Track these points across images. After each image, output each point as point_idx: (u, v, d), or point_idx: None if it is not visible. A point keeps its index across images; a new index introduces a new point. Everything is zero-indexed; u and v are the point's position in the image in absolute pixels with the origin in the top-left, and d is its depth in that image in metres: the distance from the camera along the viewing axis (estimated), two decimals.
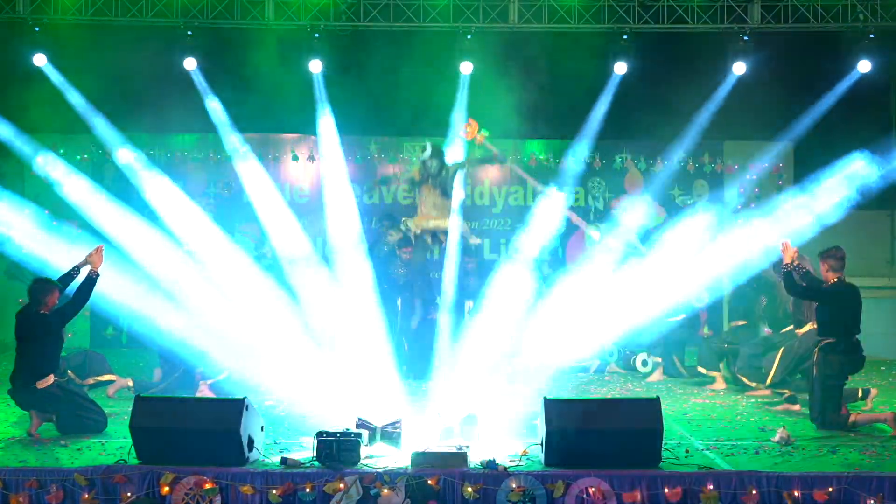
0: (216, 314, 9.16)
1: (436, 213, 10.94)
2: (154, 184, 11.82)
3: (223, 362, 8.90)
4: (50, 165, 11.87)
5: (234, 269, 10.19)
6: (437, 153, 11.06)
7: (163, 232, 10.79)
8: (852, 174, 10.35)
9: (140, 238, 10.43)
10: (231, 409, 6.24)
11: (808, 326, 8.52)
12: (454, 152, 11.50)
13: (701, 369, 10.08)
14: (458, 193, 11.04)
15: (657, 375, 10.44)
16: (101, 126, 11.99)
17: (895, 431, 7.38)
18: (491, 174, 13.85)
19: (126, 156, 12.14)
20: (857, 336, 7.72)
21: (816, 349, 7.75)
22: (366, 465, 6.12)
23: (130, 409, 6.39)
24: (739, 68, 11.82)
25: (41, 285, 7.58)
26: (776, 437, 7.07)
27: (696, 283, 10.03)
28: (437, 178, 11.00)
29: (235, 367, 8.88)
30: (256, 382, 8.63)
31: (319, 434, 6.20)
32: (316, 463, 6.13)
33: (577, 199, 13.75)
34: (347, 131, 12.90)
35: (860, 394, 8.57)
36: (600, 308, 9.88)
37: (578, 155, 13.25)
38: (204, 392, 8.90)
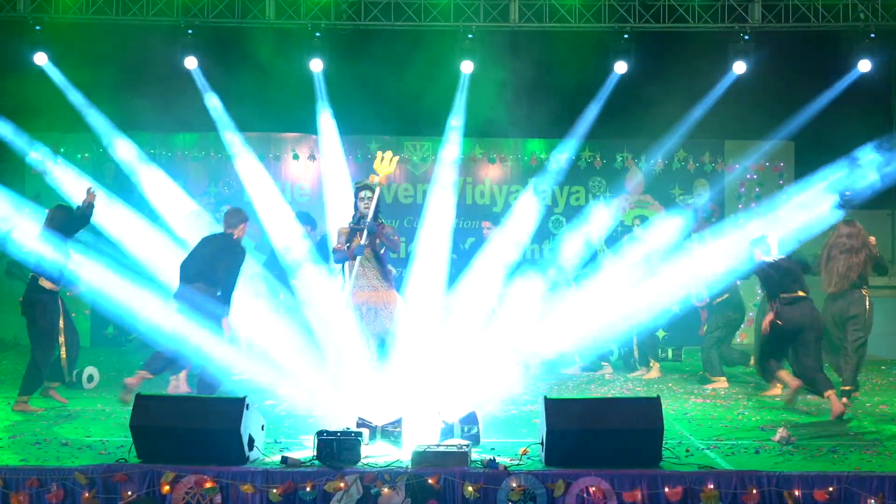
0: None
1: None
2: (155, 182, 11.83)
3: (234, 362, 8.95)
4: (47, 161, 11.91)
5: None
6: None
7: (163, 231, 10.80)
8: (854, 172, 10.35)
9: (140, 236, 10.44)
10: (231, 408, 6.24)
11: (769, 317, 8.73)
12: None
13: (709, 375, 10.09)
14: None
15: (655, 373, 10.45)
16: (102, 125, 12.01)
17: (789, 391, 8.44)
18: (492, 173, 13.87)
19: (125, 152, 12.16)
20: (801, 293, 8.41)
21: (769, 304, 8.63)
22: (366, 464, 6.12)
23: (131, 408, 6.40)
24: (740, 67, 11.85)
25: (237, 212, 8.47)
26: (776, 437, 7.07)
27: (694, 282, 10.03)
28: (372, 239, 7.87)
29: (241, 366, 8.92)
30: (258, 382, 8.64)
31: (320, 433, 6.20)
32: (316, 462, 6.13)
33: (578, 199, 13.77)
34: (348, 130, 12.94)
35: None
36: (602, 307, 9.88)
37: (579, 154, 13.31)
38: (182, 387, 9.04)
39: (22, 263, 9.64)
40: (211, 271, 8.16)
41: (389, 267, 8.10)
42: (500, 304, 10.05)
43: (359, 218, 8.00)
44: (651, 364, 10.53)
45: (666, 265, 10.06)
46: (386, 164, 8.08)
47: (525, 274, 10.32)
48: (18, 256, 8.88)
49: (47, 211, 8.61)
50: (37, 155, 11.90)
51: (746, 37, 11.72)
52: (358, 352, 7.77)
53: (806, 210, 9.83)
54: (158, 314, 8.70)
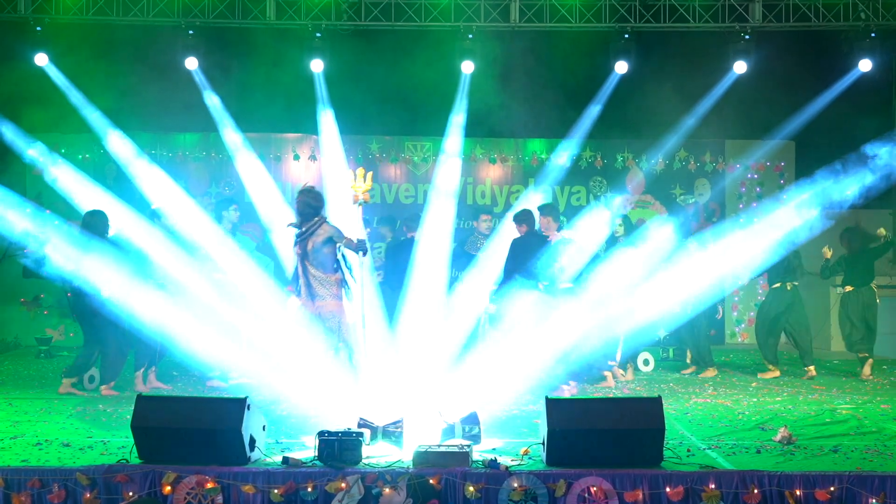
0: (217, 314, 9.16)
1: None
2: (155, 183, 11.83)
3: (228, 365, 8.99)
4: (50, 164, 11.91)
5: (235, 269, 10.18)
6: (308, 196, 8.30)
7: (164, 231, 10.78)
8: (855, 172, 10.36)
9: (141, 236, 10.41)
10: (233, 409, 6.24)
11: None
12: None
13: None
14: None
15: (630, 375, 10.45)
16: (102, 125, 12.01)
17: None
18: (492, 173, 13.87)
19: (125, 151, 12.18)
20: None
21: None
22: (368, 465, 6.13)
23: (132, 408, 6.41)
24: (741, 67, 11.85)
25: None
26: (778, 437, 7.08)
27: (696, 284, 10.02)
28: (303, 242, 8.19)
29: (240, 367, 8.92)
30: (258, 383, 8.64)
31: (321, 433, 6.21)
32: (318, 462, 6.14)
33: (579, 199, 13.77)
34: (349, 130, 12.95)
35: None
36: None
37: (580, 153, 13.30)
38: (154, 385, 9.35)
39: (27, 266, 9.68)
40: None
41: (334, 276, 8.12)
42: (498, 304, 10.00)
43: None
44: (627, 367, 10.49)
45: (658, 268, 10.01)
46: (361, 182, 7.98)
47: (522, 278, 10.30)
48: (55, 275, 8.96)
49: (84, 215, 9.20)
50: (36, 153, 11.90)
51: (747, 36, 11.71)
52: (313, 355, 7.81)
53: (796, 215, 9.89)
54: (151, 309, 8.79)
